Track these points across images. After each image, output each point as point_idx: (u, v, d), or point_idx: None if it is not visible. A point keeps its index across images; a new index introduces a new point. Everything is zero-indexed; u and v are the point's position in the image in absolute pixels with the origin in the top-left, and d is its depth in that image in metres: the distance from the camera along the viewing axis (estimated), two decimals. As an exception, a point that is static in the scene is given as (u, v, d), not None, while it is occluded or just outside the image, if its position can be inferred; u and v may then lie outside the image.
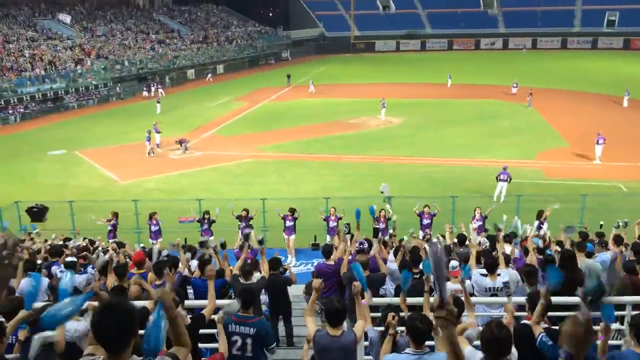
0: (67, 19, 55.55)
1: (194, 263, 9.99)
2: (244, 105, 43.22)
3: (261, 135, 33.00)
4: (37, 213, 17.74)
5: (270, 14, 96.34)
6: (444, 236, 12.46)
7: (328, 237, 15.67)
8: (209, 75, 60.40)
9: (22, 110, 40.73)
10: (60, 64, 48.32)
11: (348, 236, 9.61)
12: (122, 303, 2.88)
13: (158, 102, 41.26)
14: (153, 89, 49.79)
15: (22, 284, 7.31)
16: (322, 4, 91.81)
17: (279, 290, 8.89)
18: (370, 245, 10.21)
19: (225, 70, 65.95)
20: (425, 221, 15.79)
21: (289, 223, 16.05)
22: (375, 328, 5.76)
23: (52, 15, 57.75)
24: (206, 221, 16.02)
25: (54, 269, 8.89)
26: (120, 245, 11.16)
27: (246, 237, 10.06)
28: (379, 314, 6.28)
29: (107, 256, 8.60)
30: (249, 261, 9.09)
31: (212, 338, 6.49)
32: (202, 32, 72.63)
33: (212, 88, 53.96)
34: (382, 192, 19.45)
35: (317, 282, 5.82)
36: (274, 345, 5.91)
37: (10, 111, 39.95)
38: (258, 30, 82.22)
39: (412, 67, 64.72)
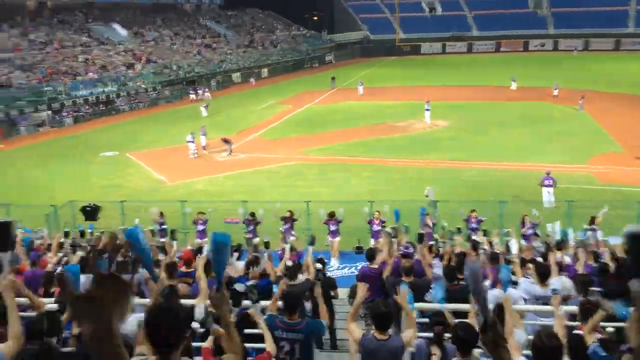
0: (122, 30, 57.31)
1: (240, 264, 10.13)
2: (289, 108, 43.57)
3: (305, 138, 33.18)
4: (91, 212, 18.30)
5: (315, 18, 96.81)
6: (491, 243, 12.21)
7: (372, 241, 15.59)
8: (252, 78, 61.28)
9: (75, 112, 42.29)
10: (112, 68, 49.97)
11: (394, 240, 9.51)
12: (174, 306, 2.96)
13: (204, 107, 42.04)
14: (200, 92, 50.86)
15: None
16: (367, 7, 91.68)
17: (323, 293, 8.89)
18: (415, 249, 10.10)
19: (269, 73, 66.66)
20: (472, 226, 15.52)
21: (332, 227, 16.09)
22: (421, 334, 5.70)
23: (105, 21, 59.73)
24: (252, 223, 16.23)
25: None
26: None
27: (265, 244, 10.05)
28: (424, 319, 6.21)
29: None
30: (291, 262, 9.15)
31: (256, 337, 6.55)
32: (248, 36, 73.67)
33: (257, 91, 54.64)
34: (427, 196, 19.22)
35: (362, 290, 5.77)
36: (326, 330, 5.99)
37: (64, 114, 41.55)
38: (302, 34, 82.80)
39: (459, 69, 63.80)
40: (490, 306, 5.76)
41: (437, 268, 9.16)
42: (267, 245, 12.89)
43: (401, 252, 9.50)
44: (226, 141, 30.15)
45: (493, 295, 6.97)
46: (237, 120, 39.54)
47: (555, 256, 9.02)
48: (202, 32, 69.42)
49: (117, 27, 58.99)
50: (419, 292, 7.83)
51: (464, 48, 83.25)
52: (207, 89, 52.04)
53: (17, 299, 5.55)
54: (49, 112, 40.53)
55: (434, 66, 68.31)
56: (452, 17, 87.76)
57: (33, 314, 5.41)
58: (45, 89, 41.95)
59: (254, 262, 9.00)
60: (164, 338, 2.80)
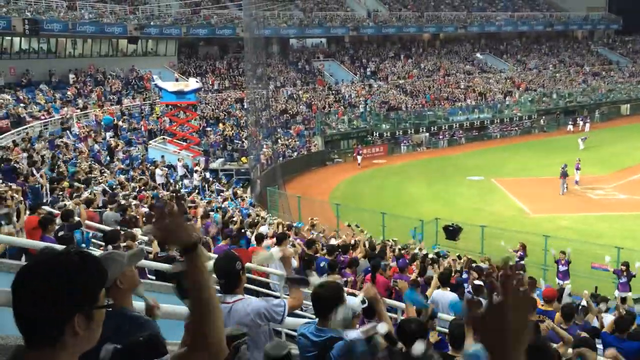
0: (505, 59, 58.21)
1: (607, 317, 8.82)
2: (690, 148, 36.43)
3: None
4: (452, 232, 18.99)
5: None
6: None
7: None
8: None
9: (450, 136, 44.78)
10: (490, 95, 51.12)
11: None
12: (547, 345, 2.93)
13: (582, 139, 38.85)
14: (580, 123, 47.37)
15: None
16: None
17: None
18: None
19: (670, 106, 57.20)
20: None
21: None
22: None
23: (490, 50, 61.54)
24: (624, 274, 14.09)
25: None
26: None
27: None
28: None
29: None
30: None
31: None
32: (646, 63, 65.10)
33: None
34: None
35: None
36: None
37: (440, 136, 44.44)
38: None
39: None
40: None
41: None
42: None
43: None
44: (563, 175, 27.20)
45: None
46: (620, 157, 35.13)
47: None
48: (591, 59, 64.58)
49: (500, 55, 60.05)
50: None
51: None
52: (589, 120, 48.10)
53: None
54: (427, 134, 44.02)
55: None
56: None
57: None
58: (427, 113, 45.80)
59: (627, 320, 7.63)
60: None
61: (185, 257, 1.81)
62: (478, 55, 56.82)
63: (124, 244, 6.85)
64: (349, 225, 14.90)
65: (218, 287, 4.34)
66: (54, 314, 1.49)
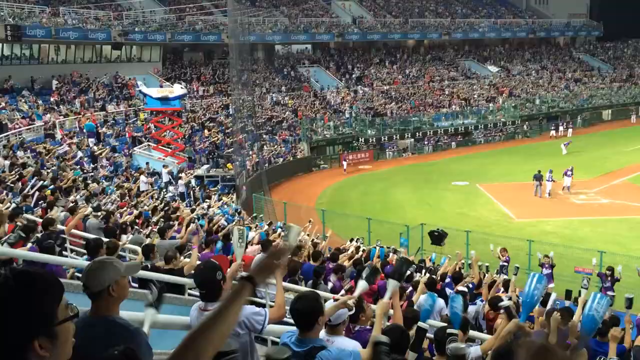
0: (494, 69, 59.09)
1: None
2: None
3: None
4: (437, 237, 19.04)
5: None
6: None
7: None
8: (633, 115, 54.76)
9: (435, 142, 45.03)
10: (474, 101, 51.54)
11: None
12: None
13: (565, 145, 39.34)
14: (562, 128, 47.96)
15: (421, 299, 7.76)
16: None
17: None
18: None
19: (648, 111, 58.18)
20: None
21: None
22: None
23: (474, 57, 62.11)
24: (608, 278, 14.22)
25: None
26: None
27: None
28: None
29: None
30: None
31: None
32: (627, 69, 66.13)
33: (630, 131, 48.32)
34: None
35: None
36: None
37: (425, 142, 44.69)
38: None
39: None
40: None
41: None
42: (630, 301, 11.08)
43: None
44: (537, 178, 27.58)
45: None
46: (602, 161, 35.62)
47: None
48: (573, 65, 65.51)
49: (483, 61, 60.75)
50: None
51: None
52: (571, 125, 48.75)
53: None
54: (412, 139, 44.24)
55: None
56: None
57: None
58: (412, 118, 46.04)
59: (608, 324, 7.71)
60: None
61: (240, 284, 1.90)
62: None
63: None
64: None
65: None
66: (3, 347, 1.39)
